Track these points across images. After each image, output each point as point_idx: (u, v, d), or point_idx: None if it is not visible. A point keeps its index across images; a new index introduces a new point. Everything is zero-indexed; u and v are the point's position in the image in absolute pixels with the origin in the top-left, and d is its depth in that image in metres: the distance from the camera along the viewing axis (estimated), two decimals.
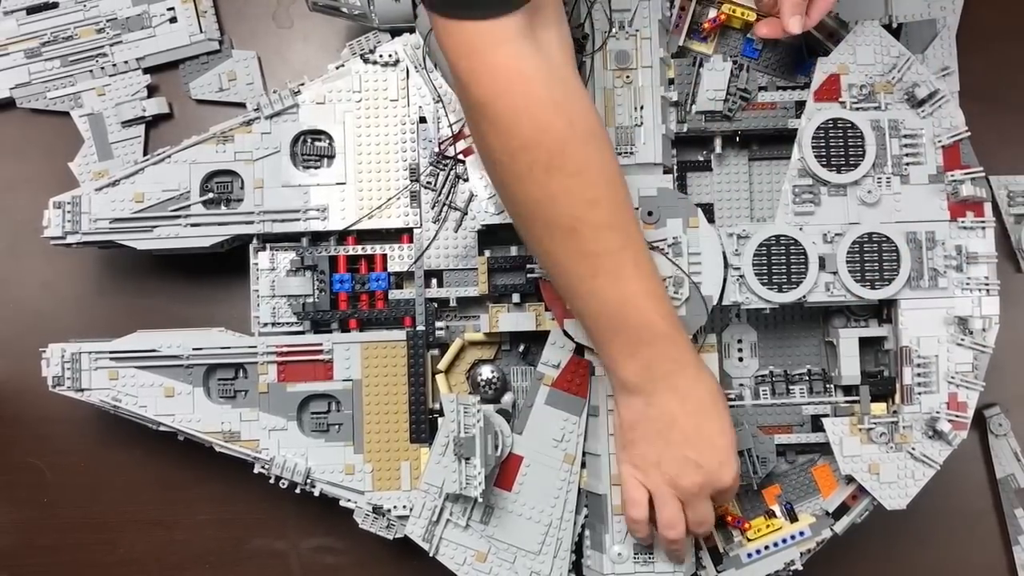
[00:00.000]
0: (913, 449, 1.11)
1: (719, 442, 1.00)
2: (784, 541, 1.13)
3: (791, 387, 1.16)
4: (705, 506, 1.02)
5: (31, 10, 1.25)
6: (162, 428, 1.14)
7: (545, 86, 0.90)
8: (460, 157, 1.15)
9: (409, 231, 1.16)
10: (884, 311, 1.15)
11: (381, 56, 1.16)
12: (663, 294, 1.00)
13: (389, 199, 1.15)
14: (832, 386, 1.16)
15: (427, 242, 1.15)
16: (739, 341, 1.18)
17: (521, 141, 0.90)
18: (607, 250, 0.95)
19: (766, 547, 1.13)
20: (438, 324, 1.15)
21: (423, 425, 1.14)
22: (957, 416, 1.11)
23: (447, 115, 1.15)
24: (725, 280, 1.11)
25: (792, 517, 1.14)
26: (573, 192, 0.92)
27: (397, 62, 1.16)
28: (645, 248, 0.99)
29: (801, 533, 1.13)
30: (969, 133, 1.12)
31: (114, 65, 1.25)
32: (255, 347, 1.14)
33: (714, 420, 1.00)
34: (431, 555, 1.12)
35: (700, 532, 1.05)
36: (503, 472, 1.12)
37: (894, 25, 1.19)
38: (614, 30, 1.12)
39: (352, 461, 1.14)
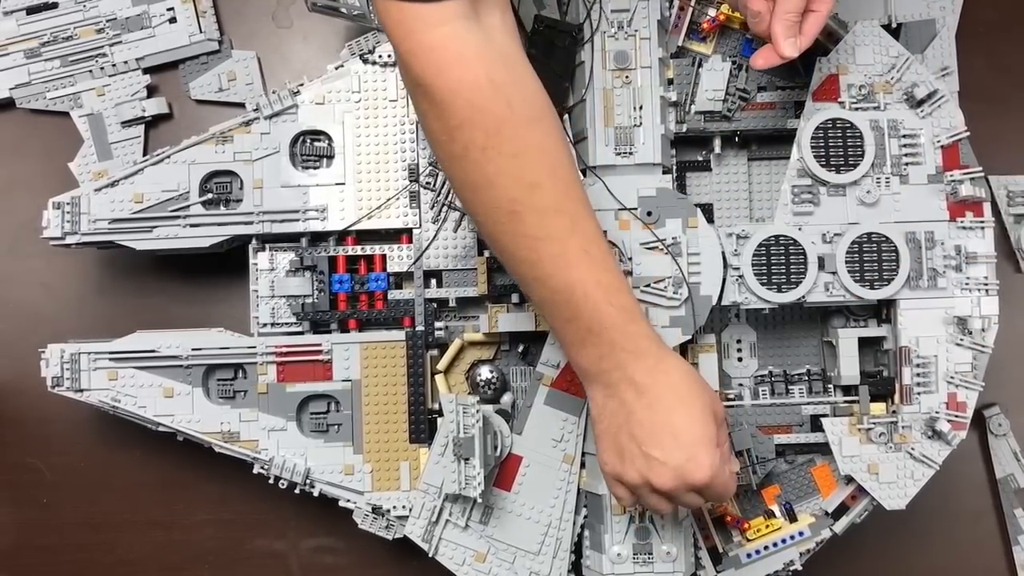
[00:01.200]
0: (912, 449, 1.11)
1: (684, 437, 0.94)
2: (783, 541, 1.13)
3: (790, 387, 1.16)
4: (689, 499, 0.97)
5: (31, 10, 1.25)
6: (161, 428, 1.15)
7: (484, 67, 0.89)
8: None
9: (408, 231, 1.16)
10: (883, 311, 1.15)
11: (380, 56, 1.16)
12: (616, 283, 0.95)
13: (388, 199, 1.15)
14: (831, 386, 1.16)
15: (426, 242, 1.15)
16: (738, 341, 1.18)
17: (458, 121, 0.89)
18: (551, 235, 0.92)
19: (765, 547, 1.13)
20: (437, 324, 1.15)
21: (422, 425, 1.14)
22: (956, 416, 1.11)
23: None
24: (724, 280, 1.11)
25: (791, 517, 1.14)
26: (511, 174, 0.91)
27: (396, 62, 1.15)
28: (598, 236, 0.95)
29: (800, 533, 1.13)
30: (968, 133, 1.12)
31: (114, 65, 1.25)
32: (254, 347, 1.14)
33: (678, 414, 0.95)
34: (430, 555, 1.12)
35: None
36: (502, 472, 1.12)
37: (894, 25, 1.19)
38: (612, 29, 1.12)
39: (351, 461, 1.14)
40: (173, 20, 1.25)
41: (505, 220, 0.93)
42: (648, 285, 1.09)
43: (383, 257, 1.16)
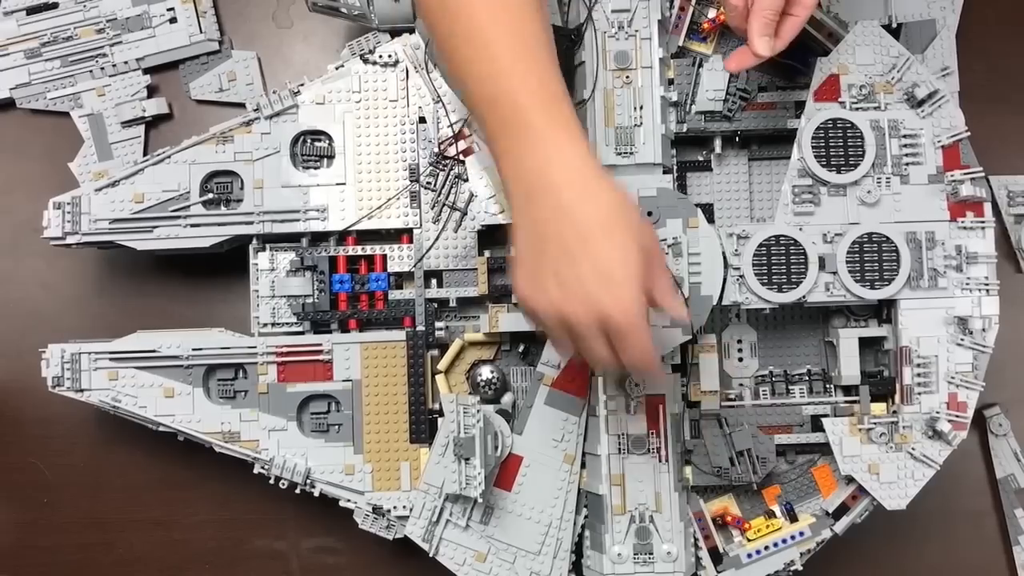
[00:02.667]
0: (913, 449, 1.11)
1: (603, 264, 0.85)
2: (784, 541, 1.13)
3: (791, 387, 1.16)
4: (597, 345, 0.86)
5: (31, 10, 1.25)
6: (162, 428, 1.15)
7: None
8: (460, 157, 1.15)
9: (409, 231, 1.16)
10: (884, 311, 1.15)
11: (381, 56, 1.16)
12: (540, 66, 0.89)
13: (389, 199, 1.15)
14: (832, 386, 1.16)
15: (427, 243, 1.15)
16: (739, 341, 1.18)
17: None
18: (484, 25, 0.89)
19: (766, 547, 1.13)
20: (438, 324, 1.15)
21: (423, 425, 1.14)
22: (957, 416, 1.11)
23: (447, 115, 1.15)
24: (725, 280, 1.11)
25: (792, 517, 1.14)
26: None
27: (397, 62, 1.16)
28: (541, 27, 0.91)
29: (801, 533, 1.13)
30: (969, 133, 1.12)
31: (114, 65, 1.25)
32: (255, 347, 1.14)
33: (606, 234, 0.85)
34: (431, 555, 1.12)
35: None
36: (503, 472, 1.12)
37: (894, 25, 1.19)
38: (613, 30, 1.12)
39: (352, 461, 1.14)
40: (173, 20, 1.25)
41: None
42: None
43: (383, 257, 1.16)
